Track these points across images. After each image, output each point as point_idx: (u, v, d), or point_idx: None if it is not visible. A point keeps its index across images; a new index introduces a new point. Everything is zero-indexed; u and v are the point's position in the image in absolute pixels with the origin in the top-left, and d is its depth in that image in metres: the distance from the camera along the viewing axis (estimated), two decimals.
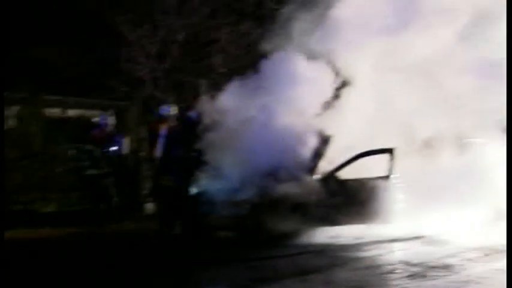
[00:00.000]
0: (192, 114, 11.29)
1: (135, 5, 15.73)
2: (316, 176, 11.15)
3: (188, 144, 11.16)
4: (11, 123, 14.41)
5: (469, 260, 9.13)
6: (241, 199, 10.92)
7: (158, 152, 11.58)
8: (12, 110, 14.46)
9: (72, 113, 16.70)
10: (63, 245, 10.83)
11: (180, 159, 11.04)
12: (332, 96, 11.85)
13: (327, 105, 11.77)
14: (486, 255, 9.52)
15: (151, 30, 15.83)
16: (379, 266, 8.80)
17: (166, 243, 10.88)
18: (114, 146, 12.66)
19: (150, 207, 14.29)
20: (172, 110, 12.67)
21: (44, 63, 14.68)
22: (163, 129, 11.66)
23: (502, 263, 8.86)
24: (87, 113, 16.44)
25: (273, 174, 11.04)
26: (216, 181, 11.05)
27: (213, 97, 12.09)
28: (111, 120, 12.97)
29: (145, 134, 16.43)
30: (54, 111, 16.23)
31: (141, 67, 15.81)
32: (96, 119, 13.28)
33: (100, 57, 15.45)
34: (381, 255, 9.65)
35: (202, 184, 11.28)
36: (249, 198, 10.87)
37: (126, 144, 13.36)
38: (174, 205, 11.11)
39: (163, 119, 12.56)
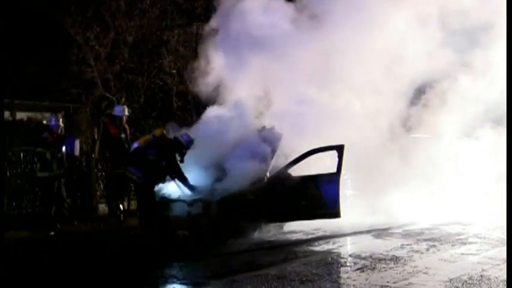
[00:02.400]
0: (184, 136, 11.30)
1: (84, 7, 15.65)
2: (268, 173, 11.27)
3: (169, 157, 11.12)
4: None
5: (416, 251, 9.42)
6: (193, 199, 11.01)
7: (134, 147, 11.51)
8: None
9: (22, 115, 16.50)
10: (20, 248, 10.72)
11: (157, 163, 11.00)
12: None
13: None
14: (432, 246, 9.84)
15: (100, 33, 15.77)
16: (330, 260, 9.01)
17: (124, 243, 10.90)
18: (65, 148, 12.57)
19: (102, 208, 14.27)
20: (124, 110, 12.67)
21: None
22: (157, 135, 11.50)
23: (447, 254, 9.23)
24: (37, 115, 16.29)
25: (226, 172, 11.18)
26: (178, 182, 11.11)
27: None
28: (61, 122, 12.88)
29: (97, 135, 16.41)
30: (6, 114, 16.03)
31: (92, 69, 15.73)
32: (46, 121, 13.17)
33: (50, 59, 15.32)
34: (331, 249, 9.88)
35: (166, 186, 11.28)
36: (201, 198, 10.96)
37: (77, 145, 13.27)
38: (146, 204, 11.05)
39: (116, 119, 12.57)
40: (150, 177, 10.91)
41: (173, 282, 7.90)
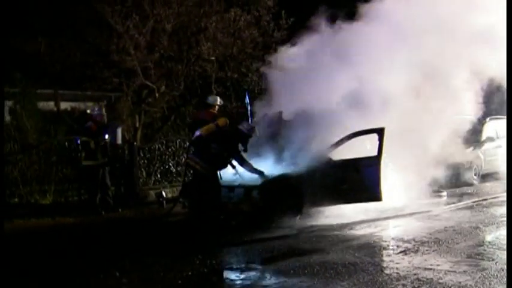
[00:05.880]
0: (245, 125, 11.34)
1: None
2: (309, 158, 11.26)
3: (230, 147, 11.17)
4: (6, 117, 14.53)
5: (459, 233, 9.35)
6: (235, 184, 11.09)
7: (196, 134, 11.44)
8: (6, 105, 14.58)
9: (65, 105, 16.79)
10: (65, 233, 11.01)
11: (217, 153, 11.07)
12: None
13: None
14: (476, 228, 9.75)
15: (140, 21, 15.91)
16: (372, 244, 9.00)
17: (167, 229, 11.06)
18: (108, 136, 12.78)
19: (144, 195, 14.51)
20: (216, 100, 12.63)
21: (36, 57, 14.77)
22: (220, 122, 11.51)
23: (492, 236, 9.14)
24: (80, 105, 16.56)
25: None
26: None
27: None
28: (104, 111, 13.11)
29: (138, 123, 16.61)
30: (48, 104, 16.33)
31: (132, 58, 15.90)
32: (90, 111, 13.41)
33: (91, 49, 15.54)
34: (374, 233, 9.85)
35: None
36: (242, 183, 11.04)
37: (120, 134, 13.48)
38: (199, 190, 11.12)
39: (208, 107, 12.50)
40: (214, 168, 10.99)
41: (215, 268, 7.98)
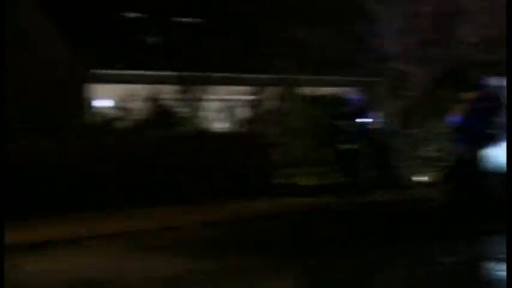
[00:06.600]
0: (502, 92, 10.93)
1: None
2: None
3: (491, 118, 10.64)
4: (273, 103, 15.67)
5: None
6: (494, 171, 10.74)
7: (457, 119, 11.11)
8: (271, 91, 15.69)
9: (325, 90, 17.53)
10: (327, 213, 11.79)
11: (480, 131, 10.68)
12: None
13: None
14: None
15: (397, 5, 15.98)
16: None
17: (427, 213, 11.22)
18: (366, 121, 13.17)
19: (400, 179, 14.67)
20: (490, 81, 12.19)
21: (302, 45, 15.63)
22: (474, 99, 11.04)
23: None
24: (339, 90, 17.18)
25: None
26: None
27: None
28: (363, 96, 13.52)
29: (396, 109, 16.76)
30: (309, 89, 17.19)
31: (390, 42, 16.05)
32: (348, 96, 13.91)
33: (348, 35, 16.01)
34: None
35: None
36: (501, 170, 10.62)
37: (378, 119, 13.76)
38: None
39: (480, 88, 12.13)
40: (479, 150, 10.67)
41: (471, 256, 7.98)
